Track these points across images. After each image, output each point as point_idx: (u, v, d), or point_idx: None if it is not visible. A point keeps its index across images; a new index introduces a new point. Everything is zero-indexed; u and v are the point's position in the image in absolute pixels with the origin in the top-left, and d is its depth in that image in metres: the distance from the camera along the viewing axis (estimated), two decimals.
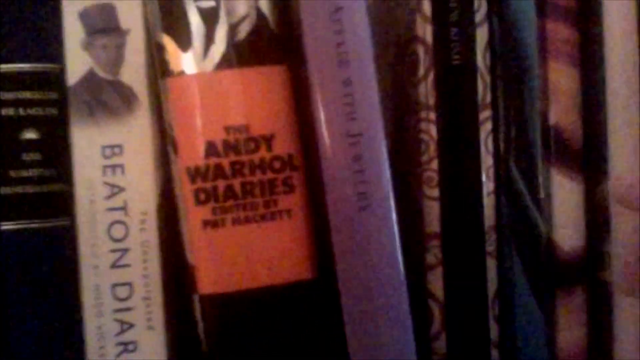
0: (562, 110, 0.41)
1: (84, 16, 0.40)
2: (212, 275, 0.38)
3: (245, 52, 0.38)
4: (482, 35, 0.43)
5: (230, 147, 0.38)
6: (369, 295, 0.38)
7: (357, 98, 0.37)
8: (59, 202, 0.40)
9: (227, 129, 0.38)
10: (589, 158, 0.41)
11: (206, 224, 0.38)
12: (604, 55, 0.40)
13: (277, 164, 0.38)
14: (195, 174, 0.38)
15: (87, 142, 0.40)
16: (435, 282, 0.43)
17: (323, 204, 0.38)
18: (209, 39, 0.38)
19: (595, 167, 0.41)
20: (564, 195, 0.41)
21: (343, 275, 0.38)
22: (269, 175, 0.38)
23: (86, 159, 0.40)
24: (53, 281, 0.40)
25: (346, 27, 0.38)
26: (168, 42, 0.38)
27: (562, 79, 0.41)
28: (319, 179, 0.38)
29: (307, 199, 0.39)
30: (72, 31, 0.40)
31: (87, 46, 0.40)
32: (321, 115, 0.37)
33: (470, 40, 0.43)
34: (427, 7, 0.43)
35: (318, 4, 0.37)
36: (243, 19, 0.38)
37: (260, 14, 0.39)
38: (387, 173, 0.38)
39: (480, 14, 0.43)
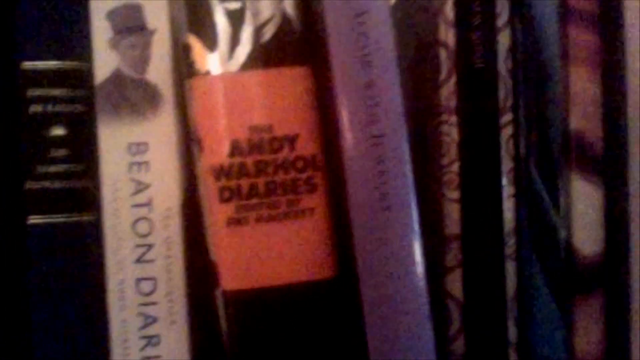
0: (583, 115, 0.41)
1: (112, 15, 0.40)
2: (234, 271, 0.39)
3: (270, 53, 0.39)
4: (504, 39, 0.43)
5: (255, 146, 0.38)
6: (390, 295, 0.38)
7: (380, 100, 0.38)
8: (85, 197, 0.41)
9: (252, 129, 0.38)
10: (609, 163, 0.42)
11: (230, 221, 0.38)
12: (626, 60, 0.40)
13: (300, 164, 0.39)
14: (220, 172, 0.38)
15: (113, 139, 0.40)
16: (455, 284, 0.43)
17: (345, 204, 0.38)
18: (234, 40, 0.38)
19: (615, 171, 0.42)
20: (584, 199, 0.41)
21: (364, 274, 0.38)
22: (292, 174, 0.39)
23: (112, 155, 0.40)
24: (79, 275, 0.41)
25: (370, 30, 0.38)
26: (194, 43, 0.39)
27: (583, 84, 0.41)
28: (341, 178, 0.38)
29: (328, 199, 0.40)
30: (100, 30, 0.40)
31: (115, 45, 0.40)
32: (344, 117, 0.38)
33: (492, 44, 0.43)
34: (449, 11, 0.43)
35: (342, 7, 0.38)
36: (268, 20, 0.39)
37: (285, 16, 0.39)
38: (409, 174, 0.38)
39: (502, 19, 0.43)
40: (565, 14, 0.41)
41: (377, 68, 0.38)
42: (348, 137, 0.38)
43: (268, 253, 0.39)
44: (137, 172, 0.40)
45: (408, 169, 0.38)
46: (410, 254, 0.38)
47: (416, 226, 0.38)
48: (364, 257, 0.38)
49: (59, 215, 0.41)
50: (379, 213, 0.38)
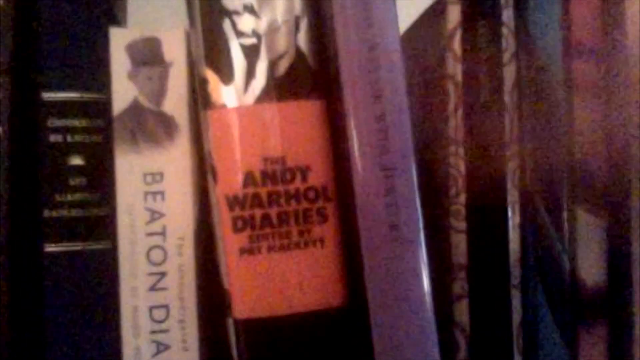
0: (587, 145, 0.41)
1: (131, 48, 0.41)
2: (246, 300, 0.39)
3: (284, 87, 0.40)
4: (510, 73, 0.44)
5: (268, 177, 0.39)
6: (399, 324, 0.39)
7: (391, 132, 0.38)
8: (102, 225, 0.42)
9: (265, 160, 0.39)
10: (612, 193, 0.42)
11: (243, 251, 0.39)
12: (629, 91, 0.41)
13: (311, 194, 0.40)
14: (233, 202, 0.39)
15: (129, 168, 0.41)
16: (461, 313, 0.44)
17: (356, 235, 0.39)
18: (250, 74, 0.39)
19: (618, 202, 0.42)
20: (588, 230, 0.42)
21: (374, 304, 0.39)
22: (304, 205, 0.39)
23: (128, 185, 0.41)
24: (94, 302, 0.42)
25: (382, 64, 0.38)
26: (211, 76, 0.40)
27: (587, 115, 0.41)
28: (352, 209, 0.39)
29: (339, 229, 0.40)
30: (119, 62, 0.41)
31: (133, 77, 0.41)
32: (356, 149, 0.38)
33: (499, 78, 0.44)
34: (457, 46, 0.44)
35: (355, 41, 0.38)
36: (282, 55, 0.40)
37: (299, 51, 0.40)
38: (418, 206, 0.39)
39: (508, 53, 0.44)
40: (569, 49, 0.42)
41: (387, 101, 0.38)
42: (359, 168, 0.38)
43: (280, 282, 0.39)
44: (152, 202, 0.41)
45: (417, 200, 0.39)
46: (419, 285, 0.39)
47: (425, 258, 0.39)
48: (373, 287, 0.39)
49: (76, 244, 0.41)
50: (389, 244, 0.38)
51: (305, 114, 0.40)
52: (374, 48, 0.38)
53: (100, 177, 0.42)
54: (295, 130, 0.39)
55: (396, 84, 0.39)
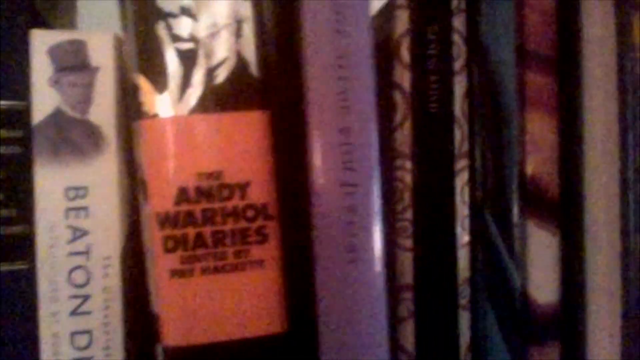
0: (539, 160, 0.40)
1: (53, 52, 0.39)
2: (177, 326, 0.37)
3: (223, 96, 0.37)
4: (460, 83, 0.43)
5: (203, 193, 0.37)
6: (352, 349, 0.37)
7: (356, 147, 0.37)
8: (19, 245, 0.39)
9: (200, 175, 0.37)
10: (565, 209, 0.41)
11: (174, 273, 0.37)
12: (583, 105, 0.40)
13: (250, 213, 0.37)
14: (164, 220, 0.37)
15: (50, 182, 0.39)
16: (406, 335, 0.42)
17: (307, 255, 0.37)
18: (186, 82, 0.37)
19: (571, 218, 0.41)
20: (540, 247, 0.41)
21: (325, 328, 0.37)
22: (242, 224, 0.37)
23: (49, 200, 0.39)
24: (11, 327, 0.39)
25: (351, 74, 0.37)
26: (143, 83, 0.37)
27: (539, 129, 0.40)
28: (298, 228, 0.37)
29: (280, 250, 0.38)
30: (40, 67, 0.39)
31: (55, 83, 0.39)
32: (318, 163, 0.37)
33: (449, 88, 0.42)
34: (405, 53, 0.42)
35: (325, 49, 0.37)
36: (222, 62, 0.37)
37: (240, 58, 0.38)
38: (378, 226, 0.37)
39: (459, 62, 0.42)
40: (523, 58, 0.40)
41: (355, 113, 0.37)
42: (319, 184, 0.37)
43: (214, 307, 0.37)
44: (74, 218, 0.39)
45: (378, 220, 0.37)
46: (375, 308, 0.38)
47: (383, 279, 0.38)
48: (326, 311, 0.37)
49: None
50: (346, 265, 0.37)
51: (246, 125, 0.37)
52: (343, 56, 0.37)
53: (18, 192, 0.39)
54: (235, 144, 0.37)
55: (365, 95, 0.37)
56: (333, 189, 0.37)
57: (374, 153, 0.37)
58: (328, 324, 0.37)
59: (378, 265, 0.37)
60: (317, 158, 0.37)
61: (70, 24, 0.45)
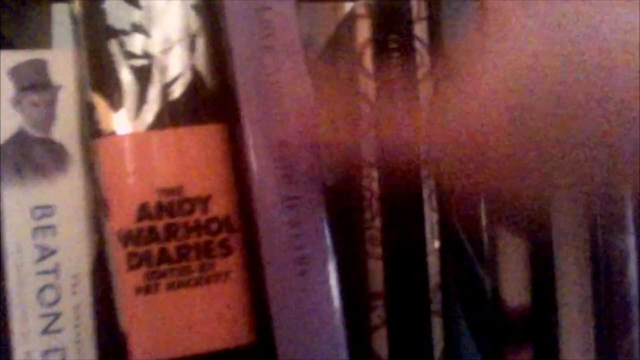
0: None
1: (15, 72, 0.39)
2: (145, 342, 0.37)
3: (180, 112, 0.37)
4: (425, 90, 0.42)
5: (164, 209, 0.37)
6: None
7: (294, 160, 0.37)
8: None
9: (161, 191, 0.37)
10: (533, 213, 0.41)
11: (139, 290, 0.37)
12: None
13: (213, 226, 0.37)
14: (127, 237, 0.37)
15: (16, 203, 0.39)
16: (380, 343, 0.42)
17: (260, 268, 0.37)
18: (141, 98, 0.37)
19: (540, 222, 0.41)
20: (510, 251, 0.40)
21: (281, 341, 0.37)
22: (205, 237, 0.37)
23: (15, 220, 0.38)
24: None
25: (285, 85, 0.37)
26: (98, 101, 0.37)
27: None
28: (256, 241, 0.37)
29: (245, 262, 0.38)
30: (1, 88, 0.39)
31: (17, 103, 0.39)
32: (256, 177, 0.37)
33: (414, 95, 0.42)
34: (368, 63, 0.42)
35: (252, 61, 0.37)
36: (177, 77, 0.37)
37: (195, 73, 0.38)
38: (326, 236, 0.37)
39: (423, 69, 0.42)
40: None
41: (292, 126, 0.37)
42: (260, 198, 0.37)
43: (181, 321, 0.37)
44: (42, 237, 0.39)
45: (325, 231, 0.37)
46: (330, 319, 0.37)
47: (335, 289, 0.37)
48: (281, 323, 0.37)
49: None
50: (296, 277, 0.37)
51: (204, 139, 0.38)
52: (276, 72, 0.37)
53: None
54: (194, 158, 0.37)
55: (302, 107, 0.37)
56: (275, 203, 0.37)
57: (315, 165, 0.37)
58: (283, 335, 0.37)
59: (330, 275, 0.37)
60: (255, 172, 0.37)
61: (47, 43, 0.45)
